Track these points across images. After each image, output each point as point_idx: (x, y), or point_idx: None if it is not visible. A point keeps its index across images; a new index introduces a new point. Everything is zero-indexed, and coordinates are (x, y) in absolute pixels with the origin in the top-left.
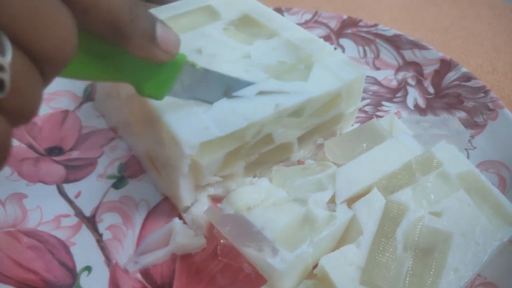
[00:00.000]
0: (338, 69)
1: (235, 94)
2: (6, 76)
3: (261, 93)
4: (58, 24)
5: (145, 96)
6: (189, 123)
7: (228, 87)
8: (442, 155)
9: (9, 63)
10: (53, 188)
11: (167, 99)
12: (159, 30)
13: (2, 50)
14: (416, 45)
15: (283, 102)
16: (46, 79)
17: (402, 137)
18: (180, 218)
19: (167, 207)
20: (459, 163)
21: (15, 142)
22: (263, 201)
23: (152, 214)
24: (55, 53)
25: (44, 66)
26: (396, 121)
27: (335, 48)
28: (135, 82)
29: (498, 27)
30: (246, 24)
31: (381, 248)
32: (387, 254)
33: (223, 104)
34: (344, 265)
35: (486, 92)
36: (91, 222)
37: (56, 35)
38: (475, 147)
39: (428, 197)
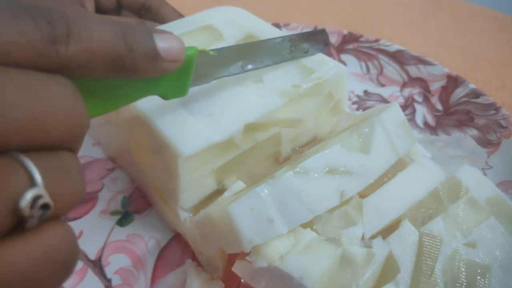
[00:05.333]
0: (395, 137)
1: (302, 169)
2: (47, 199)
3: (329, 171)
4: (68, 111)
5: (169, 99)
6: (251, 209)
7: (245, 55)
8: (467, 179)
9: (42, 184)
10: None
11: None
12: (160, 43)
13: (30, 177)
14: (420, 60)
15: (348, 189)
16: (74, 153)
17: (423, 161)
18: (194, 257)
19: (179, 244)
20: (485, 187)
21: None
22: (294, 246)
23: (164, 253)
24: (73, 136)
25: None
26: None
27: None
28: (153, 94)
29: (501, 40)
30: None
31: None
32: None
33: (288, 181)
34: None
35: (497, 109)
36: (97, 266)
37: (70, 123)
38: (491, 167)
39: (460, 226)
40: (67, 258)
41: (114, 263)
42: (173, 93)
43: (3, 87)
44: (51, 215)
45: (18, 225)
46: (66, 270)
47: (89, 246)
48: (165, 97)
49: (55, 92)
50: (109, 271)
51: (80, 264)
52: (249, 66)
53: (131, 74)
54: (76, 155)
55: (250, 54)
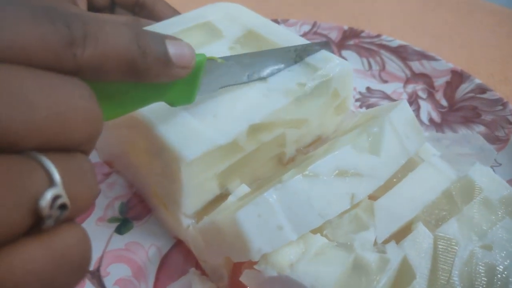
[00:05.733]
0: (405, 136)
1: (311, 172)
2: (65, 199)
3: (339, 174)
4: (86, 113)
5: (176, 106)
6: (259, 216)
7: (252, 64)
8: (479, 179)
9: (61, 184)
10: None
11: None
12: (171, 49)
13: (49, 177)
14: (423, 55)
15: (359, 191)
16: (87, 155)
17: (434, 160)
18: (197, 265)
19: (181, 252)
20: (498, 186)
21: None
22: (304, 253)
23: (165, 261)
24: (89, 137)
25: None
26: None
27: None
28: (161, 100)
29: (501, 34)
30: (252, 42)
31: None
32: None
33: (297, 185)
34: None
35: (504, 104)
36: (96, 276)
37: (87, 125)
38: (500, 164)
39: (475, 228)
40: (83, 260)
41: (114, 274)
42: (180, 100)
43: (24, 87)
44: (67, 216)
45: (35, 225)
46: (81, 271)
47: None
48: (172, 104)
49: (74, 93)
50: (108, 282)
51: None
52: (255, 75)
53: (143, 79)
54: (89, 157)
55: (256, 63)
